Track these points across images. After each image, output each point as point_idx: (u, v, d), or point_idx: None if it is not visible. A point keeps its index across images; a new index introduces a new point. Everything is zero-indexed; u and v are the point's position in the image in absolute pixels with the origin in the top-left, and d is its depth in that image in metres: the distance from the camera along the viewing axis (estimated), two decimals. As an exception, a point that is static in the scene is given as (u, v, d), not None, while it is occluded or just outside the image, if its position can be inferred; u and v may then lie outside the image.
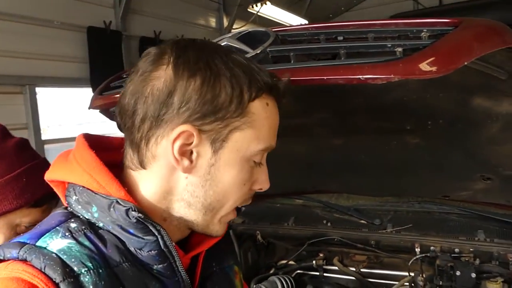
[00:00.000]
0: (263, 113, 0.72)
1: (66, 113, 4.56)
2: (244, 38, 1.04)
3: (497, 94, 1.17)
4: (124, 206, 0.68)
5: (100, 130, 4.93)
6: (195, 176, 0.72)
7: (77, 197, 0.72)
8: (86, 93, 3.93)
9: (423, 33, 0.89)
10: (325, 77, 0.79)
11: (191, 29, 5.56)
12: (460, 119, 1.31)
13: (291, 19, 7.05)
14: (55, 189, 0.78)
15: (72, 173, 0.73)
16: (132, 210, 0.67)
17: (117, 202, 0.68)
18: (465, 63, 0.78)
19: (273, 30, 1.04)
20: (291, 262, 2.00)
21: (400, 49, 0.84)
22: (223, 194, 0.74)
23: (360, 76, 0.75)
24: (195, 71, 0.68)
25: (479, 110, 1.25)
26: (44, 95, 3.88)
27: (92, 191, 0.71)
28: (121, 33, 4.21)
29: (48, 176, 0.77)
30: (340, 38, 0.99)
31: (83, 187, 0.72)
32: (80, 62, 3.91)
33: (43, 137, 3.76)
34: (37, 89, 3.64)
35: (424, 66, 0.75)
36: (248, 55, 0.96)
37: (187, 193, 0.73)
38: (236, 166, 0.72)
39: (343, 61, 0.84)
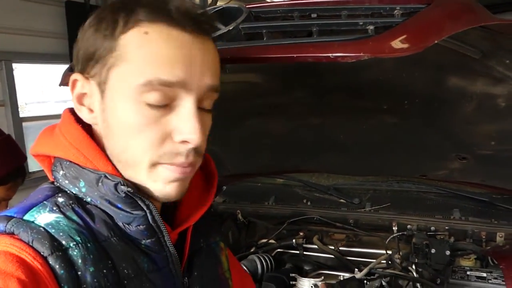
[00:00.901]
0: (137, 43, 0.65)
1: (45, 90, 4.48)
2: (217, 14, 1.02)
3: (472, 74, 1.17)
4: (113, 181, 0.67)
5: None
6: (100, 127, 0.71)
7: (64, 172, 0.72)
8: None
9: (396, 10, 0.88)
10: (295, 55, 0.77)
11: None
12: (435, 98, 1.31)
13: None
14: (40, 164, 0.76)
15: (58, 147, 0.72)
16: (121, 185, 0.67)
17: (105, 176, 0.68)
18: (436, 41, 0.77)
19: (247, 6, 1.02)
20: (271, 241, 2.02)
21: (371, 27, 0.83)
22: (122, 143, 0.68)
23: (330, 54, 0.74)
24: (88, 20, 0.70)
25: (454, 90, 1.25)
26: (22, 71, 3.79)
27: (80, 165, 0.70)
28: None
29: (34, 150, 0.76)
30: (314, 15, 0.98)
31: (70, 161, 0.71)
32: (58, 37, 3.81)
33: (21, 115, 3.69)
34: (14, 65, 3.55)
35: (395, 44, 0.75)
36: (220, 32, 0.94)
37: (106, 147, 0.72)
38: (126, 109, 0.67)
39: (314, 39, 0.83)
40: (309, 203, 2.13)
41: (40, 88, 4.24)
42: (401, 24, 0.79)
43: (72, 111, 0.75)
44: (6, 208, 1.22)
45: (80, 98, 0.72)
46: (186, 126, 0.66)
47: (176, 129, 0.67)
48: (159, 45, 0.65)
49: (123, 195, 0.68)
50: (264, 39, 0.93)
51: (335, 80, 1.30)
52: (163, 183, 0.70)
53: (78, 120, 0.73)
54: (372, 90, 1.35)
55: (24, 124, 3.66)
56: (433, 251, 1.65)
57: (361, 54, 0.74)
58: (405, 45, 0.75)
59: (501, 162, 1.58)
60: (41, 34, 3.72)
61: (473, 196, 1.83)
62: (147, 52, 0.65)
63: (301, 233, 2.02)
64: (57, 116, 3.99)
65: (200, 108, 0.69)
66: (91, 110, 0.71)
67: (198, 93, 0.67)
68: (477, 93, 1.23)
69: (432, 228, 1.80)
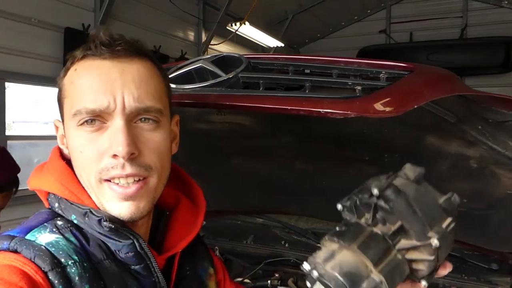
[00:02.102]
0: (69, 81, 0.76)
1: (34, 111, 4.48)
2: (218, 61, 1.10)
3: (447, 135, 1.26)
4: (97, 216, 0.73)
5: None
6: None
7: (58, 204, 0.78)
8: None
9: (381, 74, 0.97)
10: (289, 107, 0.85)
11: (169, 41, 5.59)
12: (413, 154, 1.39)
13: (268, 41, 7.18)
14: (38, 194, 0.83)
15: (44, 182, 0.79)
16: (104, 221, 0.72)
17: (90, 211, 0.74)
18: (415, 106, 0.85)
19: (246, 56, 1.10)
20: (246, 280, 2.03)
21: (359, 88, 0.91)
22: (78, 166, 0.76)
23: (321, 110, 0.82)
24: None
25: (431, 148, 1.34)
26: (13, 90, 3.81)
27: (68, 200, 0.76)
28: (98, 37, 4.18)
29: (30, 185, 0.82)
30: (307, 71, 1.06)
31: (60, 196, 0.77)
32: (54, 61, 3.85)
33: (7, 133, 3.68)
34: (7, 84, 3.57)
35: (378, 106, 0.82)
36: (220, 79, 1.01)
37: (79, 179, 0.78)
38: (71, 136, 0.75)
39: (306, 94, 0.90)
40: (287, 245, 2.16)
41: (29, 108, 4.25)
42: (385, 88, 0.88)
43: (59, 148, 0.83)
44: None
45: (61, 139, 0.81)
46: (113, 140, 0.71)
47: (107, 146, 0.72)
48: (83, 77, 0.74)
49: (107, 229, 0.73)
50: (261, 89, 1.00)
51: (322, 129, 1.37)
52: (114, 202, 0.74)
53: (64, 158, 0.81)
54: (356, 142, 1.42)
55: (9, 142, 3.64)
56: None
57: (348, 112, 0.81)
58: (387, 108, 0.84)
59: (473, 220, 1.65)
60: (38, 57, 3.77)
61: (444, 250, 1.89)
62: (76, 85, 0.74)
63: (276, 275, 2.03)
64: (42, 137, 4.01)
65: (137, 123, 0.75)
66: (67, 148, 0.79)
67: (127, 112, 0.73)
68: (452, 153, 1.32)
69: (405, 278, 1.84)
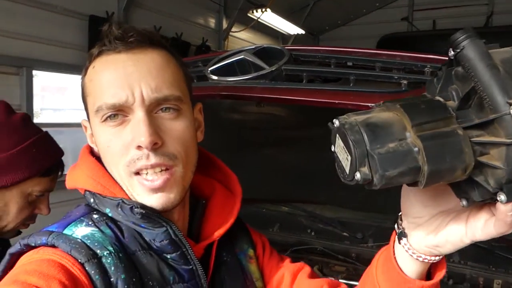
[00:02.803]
0: (89, 79, 0.77)
1: (62, 99, 4.56)
2: (259, 53, 1.11)
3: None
4: (129, 205, 0.74)
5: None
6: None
7: (93, 200, 0.80)
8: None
9: (426, 68, 0.97)
10: (336, 101, 0.85)
11: (191, 28, 5.59)
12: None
13: (289, 28, 7.13)
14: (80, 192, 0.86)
15: (78, 180, 0.82)
16: (135, 207, 0.74)
17: (123, 201, 0.75)
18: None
19: (287, 48, 1.11)
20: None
21: (405, 82, 0.92)
22: (108, 163, 0.77)
23: (369, 104, 0.82)
24: None
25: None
26: (41, 78, 3.87)
27: (101, 195, 0.78)
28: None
29: (67, 185, 0.85)
30: (349, 63, 1.06)
31: (92, 192, 0.79)
32: (79, 49, 3.90)
33: (35, 121, 3.75)
34: (34, 72, 3.63)
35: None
36: (264, 72, 1.02)
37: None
38: (98, 133, 0.77)
39: (353, 88, 0.91)
40: (313, 234, 2.18)
41: (57, 96, 4.32)
42: (433, 82, 0.88)
43: (88, 147, 0.85)
44: (48, 200, 1.30)
45: (91, 138, 0.83)
46: (136, 132, 0.72)
47: (131, 138, 0.73)
48: (101, 74, 0.75)
49: (139, 216, 0.74)
50: (304, 81, 1.01)
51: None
52: (145, 196, 0.75)
53: (94, 155, 0.83)
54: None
55: (37, 129, 3.69)
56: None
57: (397, 107, 0.82)
58: (436, 102, 0.84)
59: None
60: (63, 45, 3.81)
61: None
62: (95, 83, 0.75)
63: (301, 262, 2.06)
64: (69, 125, 4.08)
65: (158, 113, 0.75)
66: (96, 146, 0.80)
67: (146, 104, 0.73)
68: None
69: (432, 269, 1.85)
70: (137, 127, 0.72)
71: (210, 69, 1.11)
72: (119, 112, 0.74)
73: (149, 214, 0.75)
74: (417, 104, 0.52)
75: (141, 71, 0.74)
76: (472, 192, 0.52)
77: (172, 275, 0.77)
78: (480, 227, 0.57)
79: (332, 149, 0.57)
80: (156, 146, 0.73)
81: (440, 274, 0.70)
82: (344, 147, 0.53)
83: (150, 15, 4.75)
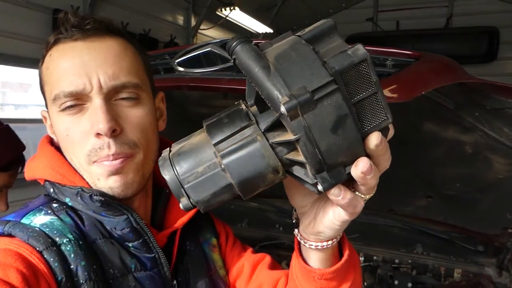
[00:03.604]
0: (46, 67, 0.76)
1: (25, 95, 4.41)
2: (226, 46, 1.11)
3: (444, 121, 1.31)
4: (88, 193, 0.74)
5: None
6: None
7: (52, 189, 0.79)
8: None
9: (388, 61, 1.00)
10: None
11: (158, 24, 5.53)
12: (410, 140, 1.44)
13: (258, 27, 7.16)
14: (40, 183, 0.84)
15: (37, 170, 0.81)
16: (94, 195, 0.73)
17: (82, 190, 0.75)
18: (423, 92, 0.89)
19: (255, 42, 1.12)
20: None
21: (368, 74, 0.94)
22: (67, 151, 0.77)
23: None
24: None
25: (428, 134, 1.39)
26: (1, 74, 3.74)
27: (60, 184, 0.77)
28: (87, 20, 4.12)
29: (26, 176, 0.84)
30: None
31: (51, 181, 0.78)
32: (42, 43, 3.79)
33: (-4, 116, 3.62)
34: (-4, 67, 3.51)
35: (387, 92, 0.86)
36: (230, 64, 1.03)
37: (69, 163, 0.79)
38: (56, 121, 0.76)
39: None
40: (281, 228, 2.21)
41: (18, 92, 4.18)
42: (394, 74, 0.91)
43: (47, 138, 0.85)
44: (7, 197, 1.26)
45: (50, 128, 0.82)
46: (94, 119, 0.71)
47: (89, 125, 0.72)
48: (57, 61, 0.74)
49: (99, 204, 0.74)
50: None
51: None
52: (104, 179, 0.74)
53: (54, 145, 0.82)
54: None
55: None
56: (396, 282, 1.76)
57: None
58: (396, 94, 0.87)
59: (463, 203, 1.72)
60: (26, 39, 3.69)
61: (435, 233, 1.96)
62: (52, 71, 0.74)
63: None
64: (32, 120, 3.95)
65: (116, 100, 0.74)
66: (55, 135, 0.79)
67: (104, 92, 0.72)
68: (448, 139, 1.37)
69: (396, 260, 1.91)
70: (95, 114, 0.71)
71: (177, 61, 1.10)
72: (76, 101, 0.73)
73: (109, 202, 0.74)
74: (221, 119, 0.54)
75: (98, 59, 0.73)
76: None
77: (134, 263, 0.77)
78: (336, 209, 0.59)
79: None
80: (115, 133, 0.72)
81: (341, 262, 0.69)
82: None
83: (117, 10, 4.66)
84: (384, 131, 0.51)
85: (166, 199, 0.89)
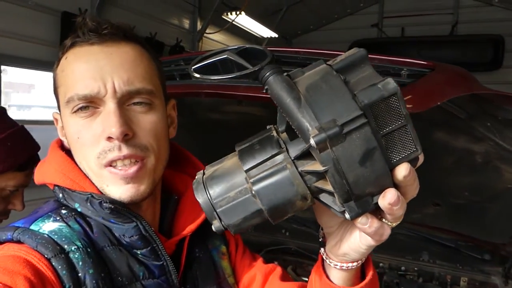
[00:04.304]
0: (61, 69, 0.77)
1: (28, 96, 4.43)
2: (242, 53, 1.12)
3: (455, 131, 1.31)
4: (98, 199, 0.74)
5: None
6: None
7: (62, 194, 0.79)
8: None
9: (403, 71, 1.01)
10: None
11: (165, 28, 5.55)
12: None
13: (263, 31, 7.18)
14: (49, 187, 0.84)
15: (47, 174, 0.81)
16: (104, 202, 0.73)
17: (92, 196, 0.75)
18: (438, 103, 0.90)
19: (270, 49, 1.13)
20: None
21: (383, 84, 0.95)
22: (77, 154, 0.77)
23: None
24: None
25: (438, 143, 1.39)
26: (11, 74, 3.77)
27: (70, 189, 0.77)
28: (95, 22, 4.15)
29: (36, 180, 0.84)
30: (330, 65, 1.09)
31: (61, 186, 0.78)
32: (50, 45, 3.81)
33: (1, 118, 3.61)
34: (2, 68, 3.52)
35: (406, 101, 0.86)
36: (248, 71, 1.04)
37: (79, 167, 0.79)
38: (68, 124, 0.76)
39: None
40: (287, 234, 2.22)
41: (21, 93, 4.20)
42: (410, 84, 0.92)
43: (57, 142, 0.85)
44: (23, 196, 1.27)
45: (61, 130, 0.82)
46: (106, 123, 0.72)
47: (101, 129, 0.73)
48: (73, 64, 0.74)
49: (108, 211, 0.74)
50: (286, 81, 1.03)
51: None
52: (115, 186, 0.74)
53: (64, 149, 0.82)
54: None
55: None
56: (400, 288, 1.76)
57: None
58: (414, 104, 0.88)
59: (471, 212, 1.73)
60: (34, 41, 3.71)
61: (441, 241, 1.97)
62: (67, 73, 0.75)
63: (275, 262, 2.08)
64: (39, 122, 3.97)
65: (129, 106, 0.75)
66: (66, 138, 0.79)
67: (118, 96, 0.73)
68: (458, 148, 1.38)
69: (403, 267, 1.92)
70: (108, 118, 0.71)
71: (193, 67, 1.11)
72: (90, 104, 0.73)
73: (119, 209, 0.74)
74: (253, 145, 0.55)
75: (114, 64, 0.73)
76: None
77: (142, 270, 0.76)
78: (363, 234, 0.60)
79: None
80: (127, 137, 0.72)
81: (364, 282, 0.70)
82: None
83: (123, 13, 4.69)
84: (412, 162, 0.52)
85: (175, 206, 0.89)
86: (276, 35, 7.47)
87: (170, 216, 0.87)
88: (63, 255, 0.69)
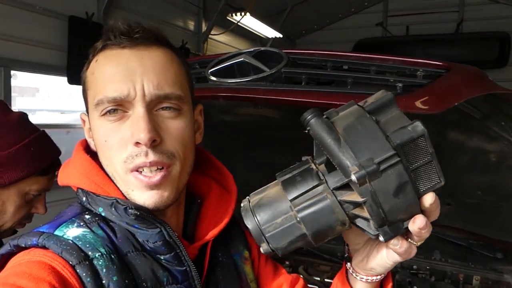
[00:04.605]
0: (91, 72, 0.77)
1: (33, 100, 4.46)
2: (258, 55, 1.13)
3: (470, 131, 1.32)
4: (123, 205, 0.74)
5: (73, 119, 4.83)
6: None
7: (86, 198, 0.79)
8: (61, 82, 3.88)
9: (418, 72, 1.02)
10: (337, 102, 0.89)
11: (170, 30, 5.57)
12: (435, 148, 1.45)
13: (267, 32, 7.18)
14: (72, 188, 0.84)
15: (72, 177, 0.80)
16: (129, 208, 0.73)
17: (117, 201, 0.74)
18: (456, 104, 0.91)
19: (285, 52, 1.14)
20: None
21: (400, 85, 0.96)
22: (103, 156, 0.77)
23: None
24: None
25: (452, 143, 1.40)
26: (21, 79, 3.80)
27: (94, 193, 0.77)
28: (102, 25, 4.16)
29: (59, 181, 0.84)
30: (345, 67, 1.10)
31: (86, 190, 0.78)
32: (58, 50, 3.83)
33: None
34: (13, 72, 3.55)
35: (423, 102, 0.88)
36: (265, 74, 1.05)
37: (104, 170, 0.79)
38: (96, 126, 0.76)
39: (353, 90, 0.95)
40: (298, 234, 2.22)
41: (25, 97, 4.23)
42: (428, 85, 0.93)
43: (82, 143, 0.85)
44: (45, 200, 1.29)
45: (88, 132, 0.82)
46: (135, 128, 0.71)
47: (130, 134, 0.72)
48: (104, 67, 0.75)
49: (133, 217, 0.73)
50: (303, 83, 1.05)
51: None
52: (139, 192, 0.74)
53: (89, 151, 0.82)
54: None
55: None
56: (412, 289, 1.77)
57: (396, 108, 0.86)
58: (431, 105, 0.89)
59: (483, 211, 1.73)
60: (42, 45, 3.74)
61: (453, 240, 1.97)
62: (97, 76, 0.75)
63: (287, 262, 2.09)
64: (42, 126, 3.98)
65: (158, 111, 0.75)
66: (93, 140, 0.80)
67: (147, 100, 0.72)
68: (472, 147, 1.38)
69: (415, 266, 1.92)
70: (137, 123, 0.71)
71: (210, 70, 1.13)
72: (119, 107, 0.73)
73: (144, 216, 0.74)
74: (295, 177, 0.62)
75: (144, 67, 0.73)
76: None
77: (166, 276, 0.76)
78: (391, 251, 0.68)
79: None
80: (155, 143, 0.72)
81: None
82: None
83: (129, 16, 4.71)
84: (436, 190, 0.60)
85: (198, 210, 0.89)
86: (281, 36, 7.48)
87: (193, 220, 0.88)
88: (87, 262, 0.69)
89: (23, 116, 1.26)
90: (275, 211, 0.62)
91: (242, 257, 0.94)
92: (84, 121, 0.83)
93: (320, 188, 0.60)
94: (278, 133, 1.62)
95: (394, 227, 0.59)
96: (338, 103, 0.90)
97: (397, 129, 0.57)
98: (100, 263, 0.70)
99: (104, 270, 0.69)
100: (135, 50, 0.74)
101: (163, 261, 0.77)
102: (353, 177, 0.54)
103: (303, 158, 0.66)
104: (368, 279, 0.76)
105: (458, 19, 7.85)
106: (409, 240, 0.64)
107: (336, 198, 0.60)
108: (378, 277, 0.76)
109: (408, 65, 1.05)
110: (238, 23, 6.14)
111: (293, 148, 1.74)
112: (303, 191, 0.60)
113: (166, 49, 0.78)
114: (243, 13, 5.78)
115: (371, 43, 8.02)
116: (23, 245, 0.71)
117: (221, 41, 6.58)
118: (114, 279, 0.69)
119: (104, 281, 0.69)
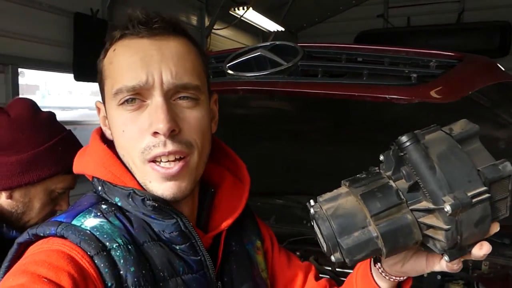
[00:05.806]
0: (109, 61, 0.76)
1: (36, 97, 4.48)
2: (274, 49, 1.17)
3: (479, 119, 1.35)
4: (140, 196, 0.74)
5: (77, 115, 4.86)
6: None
7: (102, 187, 0.79)
8: (60, 79, 3.91)
9: (431, 63, 1.05)
10: (356, 93, 0.92)
11: (173, 25, 5.58)
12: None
13: (269, 25, 7.19)
14: (86, 176, 0.84)
15: (88, 166, 0.81)
16: (147, 199, 0.73)
17: (134, 192, 0.75)
18: (469, 93, 0.94)
19: (300, 45, 1.17)
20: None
21: (414, 75, 1.00)
22: (120, 146, 0.76)
23: (387, 96, 0.90)
24: None
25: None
26: (28, 76, 3.82)
27: (111, 183, 0.77)
28: (107, 22, 4.17)
29: (74, 169, 0.85)
30: (360, 59, 1.13)
31: (102, 179, 0.78)
32: (64, 47, 3.86)
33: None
34: (20, 70, 3.58)
35: (440, 91, 0.91)
36: (282, 67, 1.08)
37: (121, 160, 0.79)
38: (113, 116, 0.76)
39: (369, 81, 0.98)
40: (308, 224, 2.25)
41: (42, 93, 4.26)
42: (442, 75, 0.96)
43: (98, 131, 0.85)
44: (68, 197, 1.33)
45: (103, 120, 0.82)
46: (153, 118, 0.71)
47: (148, 124, 0.72)
48: (122, 56, 0.74)
49: (151, 208, 0.74)
50: (319, 76, 1.08)
51: (359, 113, 1.45)
52: (157, 182, 0.74)
53: (105, 139, 0.82)
54: (388, 126, 1.51)
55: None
56: (425, 275, 1.80)
57: (413, 98, 0.90)
58: (446, 94, 0.92)
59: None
60: (49, 42, 3.76)
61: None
62: (115, 65, 0.75)
63: (297, 253, 2.13)
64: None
65: (176, 100, 0.74)
66: (109, 129, 0.80)
67: (165, 89, 0.72)
68: (481, 135, 1.41)
69: (425, 254, 1.95)
70: (155, 113, 0.71)
71: (228, 65, 1.16)
72: (137, 96, 0.73)
73: (161, 207, 0.74)
74: (374, 192, 0.63)
75: (163, 56, 0.73)
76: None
77: (182, 265, 0.76)
78: (436, 263, 0.72)
79: (312, 223, 0.68)
80: (173, 133, 0.72)
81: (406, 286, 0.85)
82: (320, 234, 0.66)
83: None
84: (500, 221, 0.65)
85: (211, 199, 0.89)
86: (283, 29, 7.48)
87: (207, 209, 0.88)
88: (105, 253, 0.69)
89: (51, 115, 1.29)
90: (352, 223, 0.63)
91: (254, 246, 0.95)
92: (99, 109, 0.83)
93: (401, 206, 0.63)
94: (282, 126, 1.65)
95: (461, 250, 0.63)
96: (356, 94, 0.94)
97: (488, 165, 0.61)
98: (118, 253, 0.70)
99: (122, 261, 0.70)
100: (153, 40, 0.74)
101: (178, 250, 0.77)
102: (448, 208, 0.57)
103: (371, 169, 0.68)
104: (396, 279, 0.80)
105: (460, 9, 7.84)
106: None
107: (416, 219, 0.63)
108: (404, 277, 0.81)
109: (421, 56, 1.08)
110: (241, 18, 6.14)
111: (297, 140, 1.78)
112: (384, 208, 0.62)
113: (184, 38, 0.78)
114: (245, 7, 5.78)
115: (372, 34, 8.01)
116: (42, 234, 0.72)
117: (224, 36, 6.60)
118: (132, 270, 0.70)
119: (121, 272, 0.69)
